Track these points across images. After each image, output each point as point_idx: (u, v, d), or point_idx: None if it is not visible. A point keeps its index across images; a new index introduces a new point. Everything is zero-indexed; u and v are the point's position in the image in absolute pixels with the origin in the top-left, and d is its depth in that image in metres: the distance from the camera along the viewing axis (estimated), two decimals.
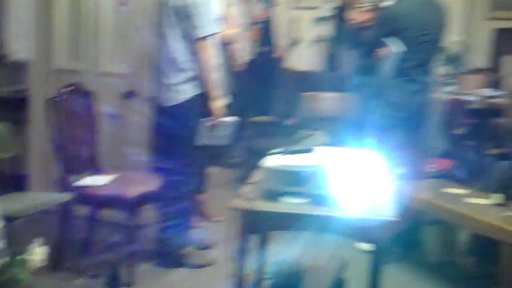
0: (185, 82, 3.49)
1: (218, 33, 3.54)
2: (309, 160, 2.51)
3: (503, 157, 4.11)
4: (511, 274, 3.11)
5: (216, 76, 3.54)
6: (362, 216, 2.30)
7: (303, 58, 7.11)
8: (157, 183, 3.56)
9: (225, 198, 2.45)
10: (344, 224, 2.32)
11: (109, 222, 3.90)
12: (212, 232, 4.16)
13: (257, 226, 2.43)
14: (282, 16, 6.67)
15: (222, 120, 3.64)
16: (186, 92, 3.50)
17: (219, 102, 3.56)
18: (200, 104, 3.54)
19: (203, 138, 3.61)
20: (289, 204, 2.39)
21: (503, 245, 3.08)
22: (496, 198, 3.38)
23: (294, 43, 7.03)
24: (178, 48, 3.45)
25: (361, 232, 2.36)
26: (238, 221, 2.35)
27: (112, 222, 3.86)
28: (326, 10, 7.01)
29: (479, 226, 3.29)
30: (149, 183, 3.56)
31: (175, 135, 3.55)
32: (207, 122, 3.58)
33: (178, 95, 3.50)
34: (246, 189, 2.53)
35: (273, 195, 2.43)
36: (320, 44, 7.13)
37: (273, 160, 2.51)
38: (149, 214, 3.83)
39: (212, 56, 3.46)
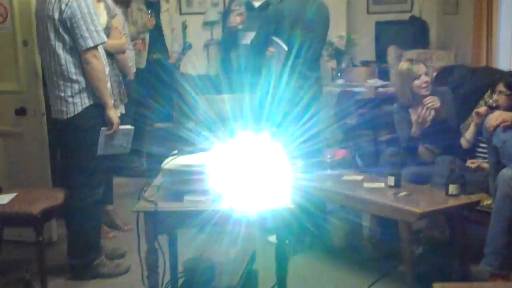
0: (77, 93, 3.46)
1: (104, 43, 3.53)
2: (207, 159, 2.58)
3: (393, 142, 4.33)
4: (410, 250, 3.32)
5: (107, 85, 3.53)
6: (260, 206, 2.40)
7: (197, 62, 7.19)
8: (61, 197, 3.52)
9: (134, 207, 2.48)
10: (244, 216, 2.42)
11: (16, 240, 3.84)
12: (125, 241, 4.17)
13: (163, 226, 2.48)
14: (172, 22, 6.69)
15: (120, 129, 3.64)
16: (78, 103, 3.47)
17: (112, 111, 3.56)
18: (97, 114, 3.53)
19: (103, 148, 3.59)
20: (190, 202, 2.45)
21: (400, 224, 3.27)
22: (390, 180, 3.57)
23: (187, 48, 7.08)
24: (66, 60, 3.42)
25: (260, 222, 2.47)
26: (146, 224, 2.39)
27: (19, 240, 3.80)
28: (214, 14, 7.13)
29: (377, 208, 3.49)
30: (53, 198, 3.51)
31: (74, 147, 3.52)
32: (105, 132, 3.56)
33: (72, 107, 3.47)
34: (150, 191, 2.57)
35: (175, 195, 2.49)
36: (211, 47, 7.25)
37: (173, 162, 2.57)
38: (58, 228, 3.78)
39: (100, 65, 3.45)
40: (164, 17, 6.53)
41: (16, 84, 4.19)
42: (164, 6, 6.60)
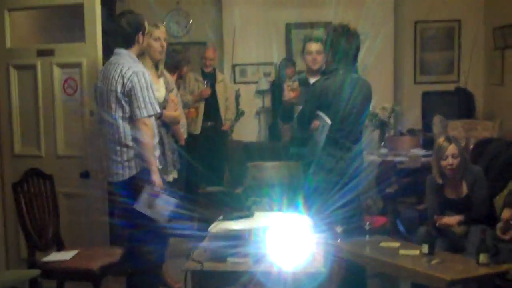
0: (132, 158, 3.78)
1: (158, 113, 3.88)
2: (249, 224, 2.86)
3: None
4: None
5: (153, 151, 3.80)
6: (295, 269, 2.66)
7: (249, 129, 7.57)
8: (118, 254, 3.84)
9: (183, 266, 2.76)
10: (282, 279, 2.68)
11: None
12: None
13: (208, 285, 2.76)
14: (226, 92, 7.10)
15: (163, 194, 3.81)
16: (133, 167, 3.79)
17: (156, 176, 3.77)
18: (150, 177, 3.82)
19: (142, 206, 3.75)
20: (233, 263, 2.73)
21: None
22: (424, 248, 3.76)
23: (239, 115, 7.47)
24: (124, 128, 3.78)
25: (296, 284, 2.72)
26: (192, 282, 2.68)
27: None
28: (265, 83, 7.53)
29: (412, 275, 3.67)
30: (110, 255, 3.84)
31: (130, 208, 3.84)
32: (148, 189, 3.76)
33: (127, 170, 3.81)
34: (198, 252, 2.86)
35: (220, 256, 2.78)
36: (262, 114, 7.63)
37: (219, 226, 2.86)
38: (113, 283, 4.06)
39: (148, 132, 3.76)
40: (219, 87, 6.95)
41: (82, 149, 4.61)
42: (219, 76, 7.04)
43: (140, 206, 3.73)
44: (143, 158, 3.79)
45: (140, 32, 3.84)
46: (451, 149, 4.19)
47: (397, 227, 4.56)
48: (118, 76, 3.76)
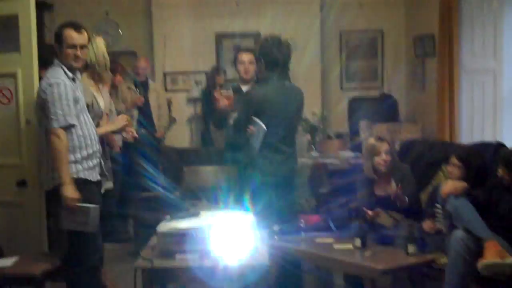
0: (54, 169, 3.78)
1: (68, 126, 3.76)
2: (195, 222, 3.00)
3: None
4: None
5: (65, 164, 3.73)
6: (239, 263, 2.82)
7: (180, 135, 7.69)
8: (58, 260, 3.89)
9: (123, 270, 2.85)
10: (227, 273, 2.82)
11: None
12: None
13: (158, 281, 2.87)
14: (159, 99, 7.20)
15: (80, 206, 3.69)
16: (55, 178, 3.77)
17: (67, 188, 3.68)
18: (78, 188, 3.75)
19: (65, 222, 3.72)
20: (181, 260, 2.86)
21: (365, 280, 3.67)
22: (357, 242, 3.99)
23: (173, 122, 7.57)
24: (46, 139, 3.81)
25: (240, 279, 2.87)
26: (142, 279, 2.79)
27: None
28: (196, 91, 7.68)
29: (346, 267, 3.90)
30: (51, 260, 3.88)
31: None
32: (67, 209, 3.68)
33: (50, 180, 3.83)
34: (145, 251, 2.97)
35: (168, 254, 2.90)
36: (193, 122, 7.76)
37: (166, 225, 2.98)
38: None
39: (60, 145, 3.70)
40: (151, 95, 7.05)
41: (18, 158, 4.61)
42: (151, 85, 7.14)
43: (64, 223, 3.70)
44: (72, 168, 3.77)
45: (57, 42, 3.89)
46: (384, 146, 4.47)
47: (329, 225, 4.76)
48: (39, 86, 3.87)
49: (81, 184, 3.77)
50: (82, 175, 3.81)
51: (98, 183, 4.00)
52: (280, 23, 7.19)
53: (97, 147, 3.98)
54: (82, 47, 3.90)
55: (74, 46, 3.86)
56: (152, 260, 2.82)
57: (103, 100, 4.43)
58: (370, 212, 4.28)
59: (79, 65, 3.96)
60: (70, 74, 3.87)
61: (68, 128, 3.76)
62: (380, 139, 4.59)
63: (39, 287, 3.72)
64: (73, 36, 3.85)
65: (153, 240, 3.13)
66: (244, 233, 2.93)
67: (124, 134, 4.56)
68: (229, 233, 2.92)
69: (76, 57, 3.88)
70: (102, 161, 4.11)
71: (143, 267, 2.82)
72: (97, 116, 4.33)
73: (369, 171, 4.55)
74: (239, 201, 4.20)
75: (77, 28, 3.89)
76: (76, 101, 3.84)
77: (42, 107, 3.79)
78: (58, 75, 3.82)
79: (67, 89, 3.79)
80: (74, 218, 3.69)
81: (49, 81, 3.77)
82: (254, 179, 4.31)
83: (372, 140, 4.59)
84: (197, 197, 4.89)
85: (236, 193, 4.38)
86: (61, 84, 3.76)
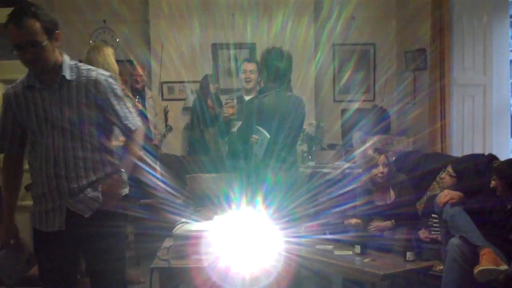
0: None
1: None
2: (209, 226, 3.13)
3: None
4: None
5: None
6: (252, 265, 2.96)
7: (177, 143, 7.81)
8: None
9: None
10: (240, 275, 2.96)
11: None
12: None
13: (174, 280, 3.00)
14: (155, 108, 7.31)
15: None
16: None
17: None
18: None
19: None
20: (196, 260, 3.00)
21: (365, 284, 3.83)
22: (356, 249, 4.15)
23: (168, 130, 7.68)
24: None
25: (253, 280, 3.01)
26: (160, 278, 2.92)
27: None
28: (192, 100, 7.79)
29: (348, 272, 4.05)
30: None
31: None
32: None
33: None
34: (162, 252, 3.11)
35: (183, 255, 3.03)
36: (189, 130, 7.87)
37: (181, 228, 3.12)
38: None
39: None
40: (148, 103, 7.17)
41: None
42: (148, 93, 7.25)
43: None
44: None
45: None
46: (382, 159, 4.64)
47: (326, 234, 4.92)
48: None
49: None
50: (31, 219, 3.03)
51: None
52: (275, 35, 7.36)
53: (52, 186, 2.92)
54: (33, 44, 2.77)
55: (17, 47, 2.79)
56: (169, 260, 2.96)
57: None
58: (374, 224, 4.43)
59: (38, 70, 2.89)
60: (32, 81, 2.93)
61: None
62: (378, 150, 4.76)
63: None
64: (12, 34, 2.77)
65: (167, 242, 3.26)
66: (257, 237, 3.06)
67: None
68: (243, 236, 3.05)
69: (28, 61, 2.83)
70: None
71: (161, 266, 2.95)
72: None
73: (368, 182, 4.71)
74: (249, 206, 4.33)
75: (17, 20, 2.74)
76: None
77: None
78: (16, 83, 3.01)
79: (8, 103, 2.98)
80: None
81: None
82: (262, 186, 4.45)
83: (370, 152, 4.76)
84: (200, 204, 5.01)
85: (246, 198, 4.52)
86: (5, 95, 3.00)
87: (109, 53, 4.62)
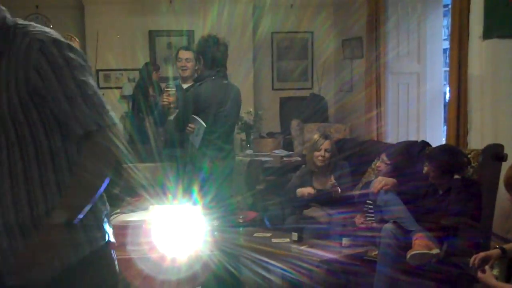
0: None
1: None
2: (144, 216, 3.09)
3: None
4: None
5: None
6: (186, 256, 2.94)
7: None
8: None
9: None
10: (175, 263, 2.94)
11: None
12: None
13: None
14: None
15: None
16: None
17: None
18: None
19: None
20: (131, 251, 2.95)
21: (303, 271, 3.86)
22: (294, 236, 4.18)
23: None
24: None
25: (188, 269, 2.99)
26: None
27: None
28: (129, 89, 7.68)
29: (284, 259, 4.07)
30: None
31: None
32: None
33: None
34: None
35: (119, 246, 2.97)
36: (127, 119, 7.75)
37: (116, 218, 3.06)
38: None
39: None
40: None
41: None
42: None
43: None
44: None
45: None
46: (326, 144, 4.70)
47: (264, 221, 4.95)
48: None
49: None
50: None
51: None
52: (213, 22, 7.31)
53: None
54: None
55: None
56: None
57: None
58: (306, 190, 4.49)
59: None
60: None
61: None
62: (324, 135, 4.81)
63: None
64: None
65: None
66: (191, 225, 3.04)
67: None
68: (177, 225, 3.02)
69: None
70: None
71: None
72: None
73: (310, 164, 4.77)
74: (185, 196, 4.30)
75: None
76: None
77: None
78: None
79: None
80: None
81: None
82: (198, 174, 4.42)
83: (317, 136, 4.82)
84: (137, 194, 4.94)
85: (182, 188, 4.49)
86: None
87: None
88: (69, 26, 7.77)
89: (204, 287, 3.38)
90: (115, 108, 7.76)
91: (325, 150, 4.69)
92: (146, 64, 7.40)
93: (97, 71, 7.81)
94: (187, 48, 5.17)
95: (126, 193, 4.91)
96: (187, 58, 5.02)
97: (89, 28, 7.75)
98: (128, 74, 7.87)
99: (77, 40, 4.51)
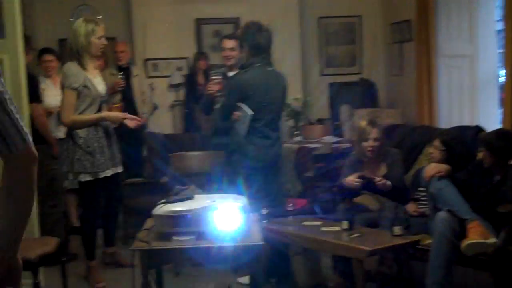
0: None
1: None
2: (190, 205, 3.06)
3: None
4: (363, 285, 3.81)
5: None
6: (236, 243, 2.90)
7: (163, 121, 7.71)
8: (54, 244, 3.92)
9: None
10: (222, 253, 2.91)
11: None
12: (123, 279, 4.44)
13: (155, 262, 2.94)
14: (141, 86, 7.20)
15: None
16: None
17: None
18: None
19: None
20: (177, 241, 2.94)
21: (353, 261, 3.78)
22: (344, 224, 4.09)
23: (155, 108, 7.59)
24: None
25: (234, 258, 2.95)
26: (140, 260, 2.86)
27: None
28: (178, 77, 7.69)
29: (335, 248, 4.01)
30: (46, 245, 3.90)
31: None
32: None
33: None
34: (142, 234, 3.04)
35: (165, 236, 2.97)
36: (175, 108, 7.78)
37: (162, 208, 3.04)
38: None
39: None
40: (134, 81, 7.05)
41: None
42: (134, 70, 7.14)
43: None
44: None
45: None
46: (374, 132, 4.54)
47: (315, 207, 4.87)
48: None
49: None
50: None
51: None
52: (259, 9, 7.25)
53: None
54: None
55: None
56: (150, 241, 2.89)
57: (102, 83, 4.50)
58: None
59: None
60: None
61: None
62: (371, 123, 4.65)
63: (35, 271, 3.72)
64: None
65: (148, 223, 3.19)
66: (237, 215, 3.00)
67: (129, 122, 4.62)
68: (223, 215, 2.98)
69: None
70: None
71: (141, 248, 2.88)
72: (96, 100, 4.51)
73: (358, 154, 4.65)
74: (232, 185, 4.27)
75: None
76: None
77: None
78: None
79: None
80: None
81: None
82: (245, 163, 4.39)
83: (364, 124, 4.66)
84: (185, 183, 4.94)
85: (228, 178, 4.46)
86: None
87: (81, 27, 4.50)
88: (117, 16, 7.83)
89: (253, 276, 3.34)
90: (164, 97, 7.81)
91: (374, 140, 4.53)
92: (197, 53, 7.42)
93: (146, 60, 7.83)
94: (230, 37, 5.13)
95: (174, 182, 4.92)
96: (231, 47, 4.99)
97: (137, 18, 7.78)
98: (176, 63, 7.87)
99: (101, 25, 4.54)
